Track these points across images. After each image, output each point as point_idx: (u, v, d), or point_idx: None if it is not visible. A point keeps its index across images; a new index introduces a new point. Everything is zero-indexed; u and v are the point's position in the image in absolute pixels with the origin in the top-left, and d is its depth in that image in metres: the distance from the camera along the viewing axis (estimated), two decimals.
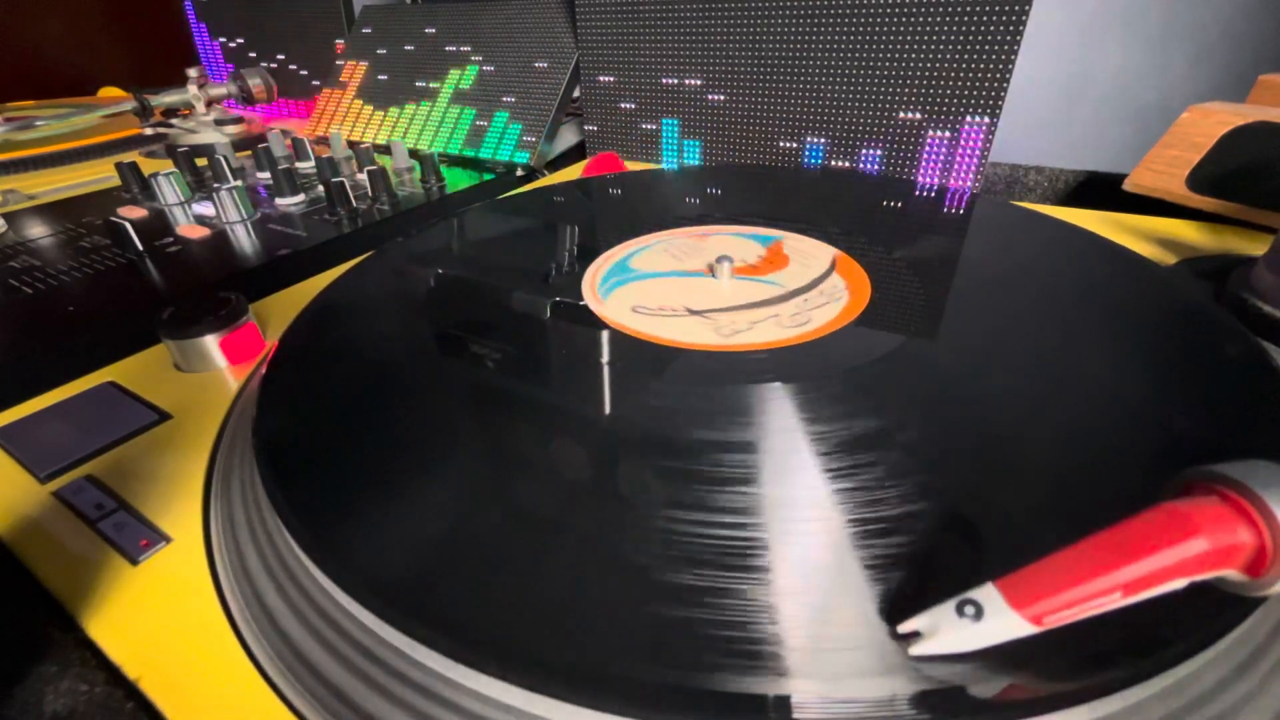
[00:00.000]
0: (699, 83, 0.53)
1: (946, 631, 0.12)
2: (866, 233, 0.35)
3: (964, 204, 0.39)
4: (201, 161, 0.55)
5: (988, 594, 0.13)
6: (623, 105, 0.57)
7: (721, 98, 0.52)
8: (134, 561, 0.19)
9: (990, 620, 0.12)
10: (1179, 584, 0.12)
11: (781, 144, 0.50)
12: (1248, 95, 0.46)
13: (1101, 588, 0.12)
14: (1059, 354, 0.23)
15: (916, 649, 0.13)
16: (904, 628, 0.13)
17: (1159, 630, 0.13)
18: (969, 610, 0.12)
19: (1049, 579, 0.12)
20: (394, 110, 0.68)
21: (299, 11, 0.81)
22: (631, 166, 0.56)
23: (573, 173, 0.56)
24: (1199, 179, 0.38)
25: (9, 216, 0.48)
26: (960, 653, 0.13)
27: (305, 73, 0.82)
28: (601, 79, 0.58)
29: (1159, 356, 0.23)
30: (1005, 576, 0.13)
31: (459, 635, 0.14)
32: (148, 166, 0.59)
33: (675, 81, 0.54)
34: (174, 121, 0.73)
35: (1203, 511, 0.12)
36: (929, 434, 0.20)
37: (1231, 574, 0.12)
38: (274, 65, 0.85)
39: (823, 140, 0.48)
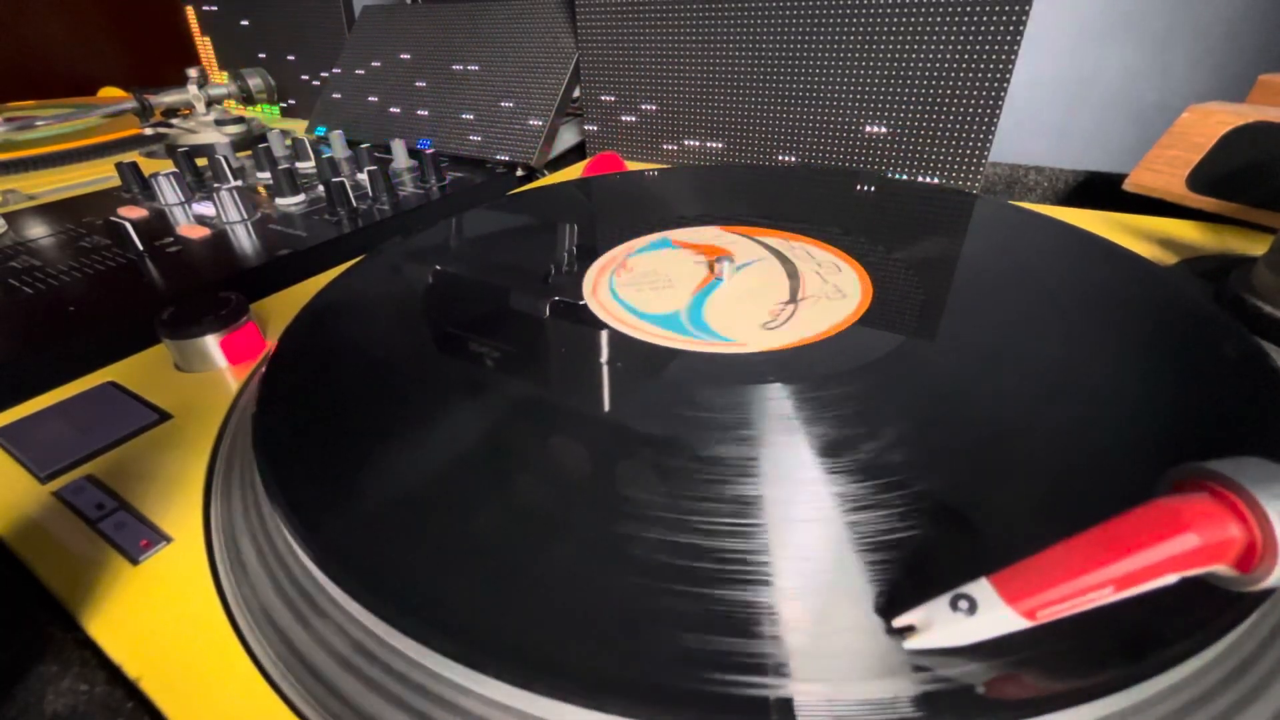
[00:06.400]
0: (700, 84, 0.53)
1: (941, 626, 0.13)
2: (867, 233, 0.35)
3: (964, 204, 0.39)
4: (201, 161, 0.55)
5: (981, 589, 0.13)
6: (623, 104, 0.57)
7: (722, 97, 0.52)
8: (134, 561, 0.19)
9: (984, 615, 0.12)
10: (1170, 579, 0.12)
11: (781, 142, 0.50)
12: (1248, 95, 0.46)
13: (1093, 582, 0.12)
14: (1059, 354, 0.23)
15: (911, 643, 0.13)
16: (899, 622, 0.13)
17: (1158, 631, 0.13)
18: (963, 605, 0.12)
19: (1042, 574, 0.12)
20: (394, 110, 0.68)
21: (299, 11, 0.81)
22: (632, 166, 0.56)
23: (573, 173, 0.56)
24: (1199, 179, 0.38)
25: (9, 216, 0.48)
26: (955, 647, 0.13)
27: (306, 74, 0.82)
28: (601, 79, 0.58)
29: (1158, 356, 0.23)
30: (999, 571, 0.13)
31: (459, 635, 0.14)
32: (148, 166, 0.59)
33: (676, 82, 0.54)
34: (174, 121, 0.73)
35: (1193, 507, 0.12)
36: (928, 433, 0.20)
37: (1222, 569, 0.12)
38: (274, 65, 0.85)
39: (822, 139, 0.48)
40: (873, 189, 0.43)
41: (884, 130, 0.46)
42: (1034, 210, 0.38)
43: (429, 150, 0.54)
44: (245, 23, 0.87)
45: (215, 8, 0.90)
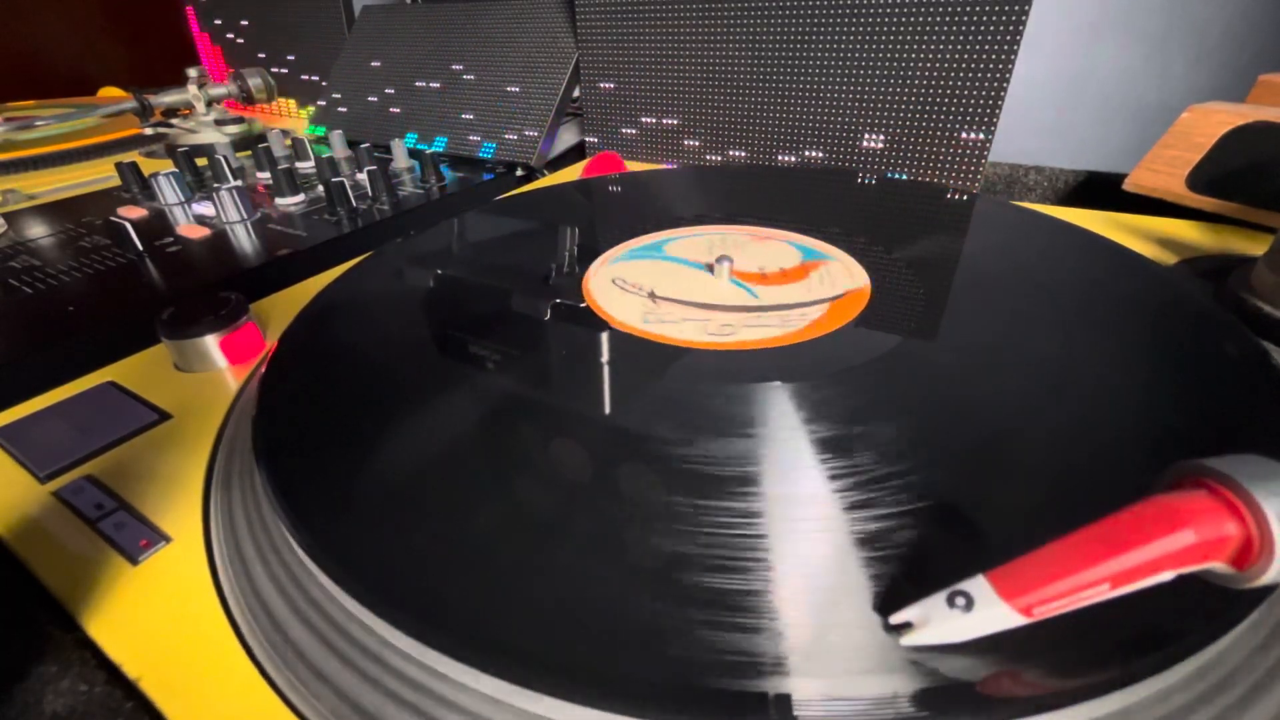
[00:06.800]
0: (699, 84, 0.53)
1: (937, 622, 0.13)
2: (866, 232, 0.35)
3: (964, 204, 0.39)
4: (201, 161, 0.55)
5: (978, 585, 0.13)
6: (622, 105, 0.57)
7: (721, 97, 0.52)
8: (134, 561, 0.19)
9: (980, 611, 0.12)
10: (1167, 576, 0.12)
11: (781, 142, 0.50)
12: (1248, 95, 0.46)
13: (1090, 579, 0.12)
14: (1058, 353, 0.23)
15: (908, 639, 0.13)
16: (896, 618, 0.13)
17: (1156, 629, 0.13)
18: (959, 601, 0.12)
19: (1038, 570, 0.12)
20: (394, 110, 0.68)
21: (299, 11, 0.81)
22: (631, 166, 0.56)
23: (573, 173, 0.56)
24: (1199, 179, 0.38)
25: (9, 216, 0.48)
26: (952, 643, 0.13)
27: (305, 73, 0.82)
28: (601, 79, 0.58)
29: (1159, 356, 0.23)
30: (996, 568, 0.13)
31: (459, 634, 0.14)
32: (148, 166, 0.59)
33: (675, 82, 0.54)
34: (174, 121, 0.73)
35: (1190, 504, 0.12)
36: (927, 431, 0.20)
37: (1218, 566, 0.12)
38: (274, 65, 0.85)
39: (822, 139, 0.48)
40: (873, 189, 0.43)
41: (884, 130, 0.46)
42: (1034, 210, 0.38)
43: (429, 151, 0.54)
44: (245, 22, 0.87)
45: (217, 19, 0.90)
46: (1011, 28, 0.39)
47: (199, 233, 0.43)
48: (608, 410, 0.22)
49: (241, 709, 0.15)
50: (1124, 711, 0.13)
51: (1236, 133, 0.37)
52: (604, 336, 0.25)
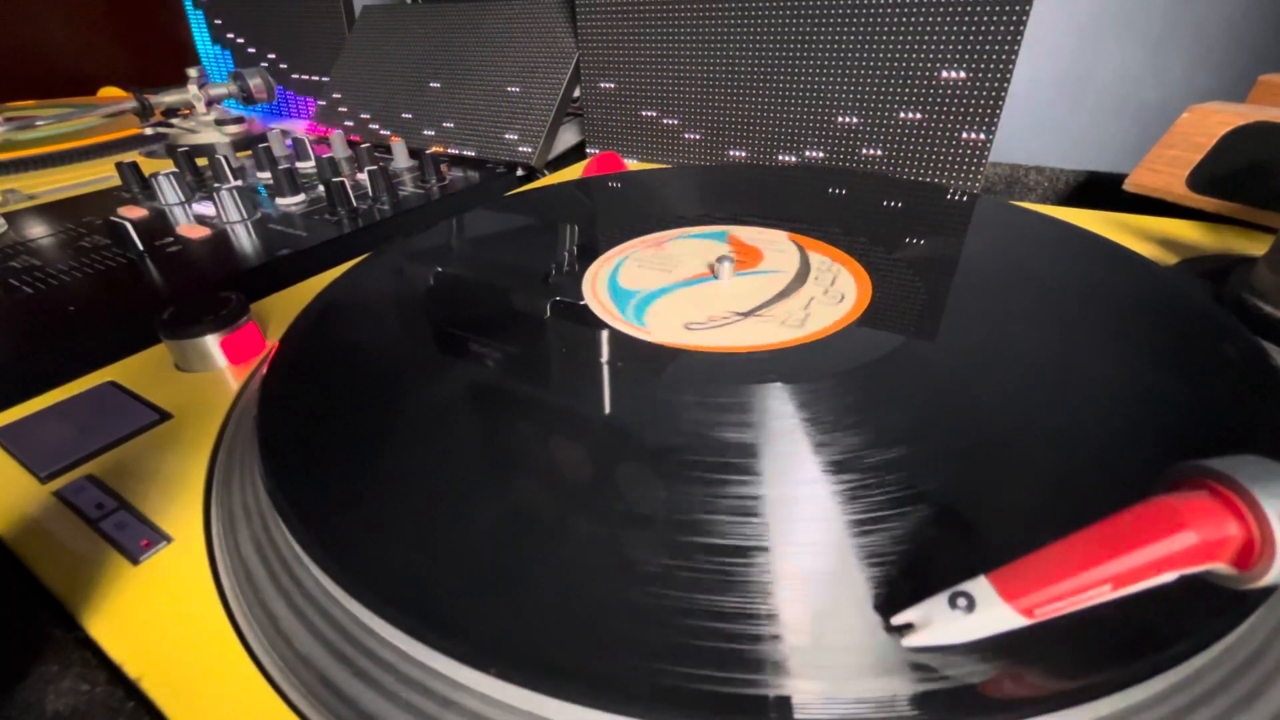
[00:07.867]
0: (700, 83, 0.53)
1: (939, 623, 0.13)
2: (867, 232, 0.35)
3: (964, 204, 0.39)
4: (202, 161, 0.55)
5: (980, 586, 0.13)
6: (623, 105, 0.57)
7: (721, 97, 0.52)
8: (135, 561, 0.19)
9: (982, 612, 0.12)
10: (1169, 577, 0.12)
11: (781, 141, 0.50)
12: (1248, 95, 0.46)
13: (1091, 580, 0.12)
14: (1059, 354, 0.23)
15: (910, 640, 0.13)
16: (898, 619, 0.13)
17: (1157, 630, 0.13)
18: (961, 602, 0.12)
19: (1040, 572, 0.12)
20: (394, 110, 0.68)
21: (299, 11, 0.81)
22: (632, 166, 0.56)
23: (573, 173, 0.56)
24: (1199, 179, 0.38)
25: (9, 216, 0.48)
26: (953, 644, 0.13)
27: (305, 73, 0.82)
28: (601, 79, 0.58)
29: (1159, 356, 0.23)
30: (998, 569, 0.13)
31: (459, 634, 0.14)
32: (148, 166, 0.59)
33: (676, 82, 0.54)
34: (174, 121, 0.73)
35: (1191, 505, 0.12)
36: (929, 432, 0.20)
37: (1220, 567, 0.12)
38: (274, 65, 0.85)
39: (822, 138, 0.48)
40: (874, 189, 0.43)
41: (885, 130, 0.46)
42: (1034, 210, 0.38)
43: (429, 151, 0.54)
44: (246, 22, 0.87)
45: (218, 19, 0.90)
46: (1012, 28, 0.39)
47: (199, 233, 0.43)
48: (607, 409, 0.22)
49: (242, 709, 0.15)
50: (1125, 712, 0.13)
51: (1236, 133, 0.37)
52: (603, 335, 0.25)
